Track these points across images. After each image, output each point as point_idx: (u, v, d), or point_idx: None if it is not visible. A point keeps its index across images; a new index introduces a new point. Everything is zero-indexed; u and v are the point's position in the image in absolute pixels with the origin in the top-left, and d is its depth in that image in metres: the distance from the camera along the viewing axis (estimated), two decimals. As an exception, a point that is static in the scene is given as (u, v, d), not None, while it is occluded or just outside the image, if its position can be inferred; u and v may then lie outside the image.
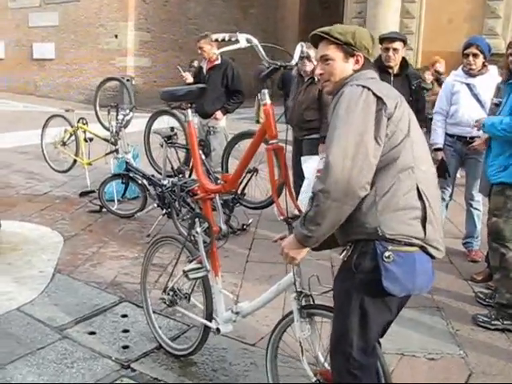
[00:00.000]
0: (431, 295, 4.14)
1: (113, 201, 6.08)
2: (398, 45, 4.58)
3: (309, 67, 5.32)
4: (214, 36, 2.54)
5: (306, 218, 2.04)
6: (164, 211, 5.42)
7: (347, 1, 13.67)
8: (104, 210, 6.00)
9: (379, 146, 2.00)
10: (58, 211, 6.07)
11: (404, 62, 4.70)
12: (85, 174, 6.92)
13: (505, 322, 3.66)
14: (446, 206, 5.13)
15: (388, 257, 1.99)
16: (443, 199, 5.02)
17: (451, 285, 4.39)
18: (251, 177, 5.31)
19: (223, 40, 2.53)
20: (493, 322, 3.69)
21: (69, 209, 6.17)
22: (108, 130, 6.45)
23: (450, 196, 5.10)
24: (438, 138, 4.84)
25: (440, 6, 11.73)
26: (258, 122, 15.16)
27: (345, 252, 2.13)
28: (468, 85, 4.70)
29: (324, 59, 2.22)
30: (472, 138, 4.70)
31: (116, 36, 17.64)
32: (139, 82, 17.00)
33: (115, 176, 6.02)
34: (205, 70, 6.21)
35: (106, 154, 6.49)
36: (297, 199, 5.84)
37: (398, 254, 2.00)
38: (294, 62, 2.59)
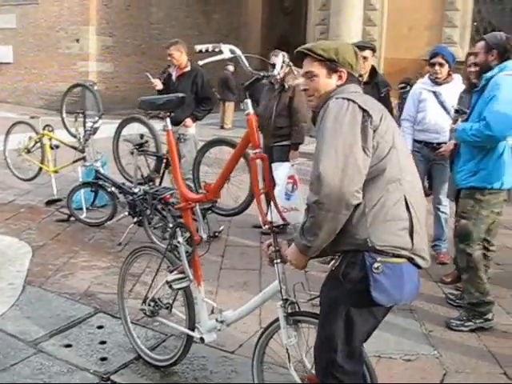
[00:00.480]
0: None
1: (81, 209, 5.98)
2: (367, 53, 4.67)
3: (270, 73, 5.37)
4: (198, 47, 2.55)
5: (304, 229, 2.08)
6: (135, 219, 5.38)
7: (310, 8, 13.82)
8: (72, 218, 5.91)
9: (367, 156, 2.05)
10: (24, 220, 5.94)
11: (373, 70, 4.80)
12: (50, 181, 6.81)
13: (477, 322, 3.77)
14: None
15: (377, 268, 2.03)
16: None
17: (422, 287, 4.41)
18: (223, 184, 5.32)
19: (207, 51, 2.55)
20: (466, 324, 3.79)
21: (35, 218, 6.05)
22: (75, 136, 6.36)
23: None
24: (407, 144, 4.95)
25: (401, 15, 11.99)
26: (222, 127, 15.18)
27: (333, 261, 2.17)
28: (434, 92, 4.84)
29: (308, 75, 2.26)
30: (439, 143, 4.84)
31: (77, 40, 17.40)
32: (101, 87, 16.76)
33: (84, 184, 5.94)
34: (174, 78, 6.19)
35: (74, 162, 6.40)
36: (267, 210, 5.88)
37: (387, 265, 2.04)
38: (276, 72, 2.63)
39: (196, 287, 3.01)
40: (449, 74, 4.82)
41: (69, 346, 3.38)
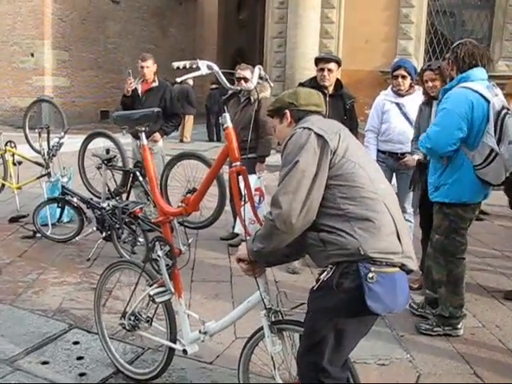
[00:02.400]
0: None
1: (46, 225, 5.90)
2: (332, 66, 4.80)
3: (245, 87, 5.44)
4: (175, 64, 2.57)
5: (257, 236, 2.32)
6: (104, 234, 5.34)
7: (267, 21, 14.00)
8: (38, 235, 5.82)
9: (322, 185, 2.19)
10: (-12, 238, 5.82)
11: (338, 83, 4.94)
12: (12, 198, 6.69)
13: (446, 329, 3.88)
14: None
15: (371, 277, 2.09)
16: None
17: (390, 293, 4.61)
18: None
19: (184, 68, 2.58)
20: (434, 329, 3.89)
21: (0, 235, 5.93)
22: (39, 152, 6.27)
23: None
24: (371, 155, 5.09)
25: (357, 28, 12.30)
26: (181, 141, 15.13)
27: (325, 273, 2.20)
28: (397, 104, 5.00)
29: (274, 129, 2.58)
30: (403, 153, 5.00)
31: (32, 54, 17.13)
32: (58, 102, 16.45)
33: (51, 200, 5.86)
34: (140, 92, 6.19)
35: (38, 178, 6.30)
36: (235, 220, 5.93)
37: (380, 275, 2.11)
38: (252, 86, 2.69)
39: (177, 300, 3.02)
40: (411, 86, 5.00)
41: (46, 362, 3.34)
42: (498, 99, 3.51)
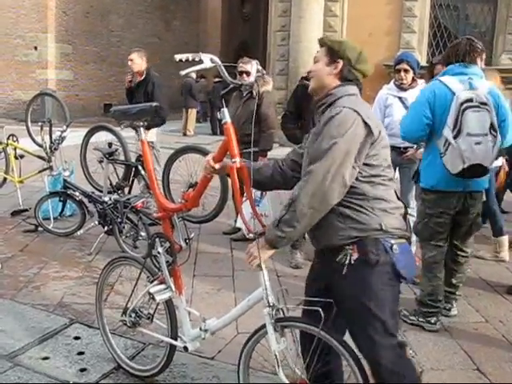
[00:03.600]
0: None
1: (48, 219, 5.89)
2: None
3: (247, 82, 5.41)
4: (177, 57, 2.54)
5: (281, 221, 2.27)
6: (105, 228, 5.33)
7: (271, 14, 13.92)
8: (40, 229, 5.82)
9: (355, 170, 2.25)
10: (-11, 232, 5.82)
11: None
12: (14, 192, 6.69)
13: (419, 320, 3.90)
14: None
15: (396, 249, 2.29)
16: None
17: (393, 288, 4.60)
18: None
19: (187, 60, 2.55)
20: (410, 317, 3.96)
21: (2, 229, 5.92)
22: (41, 146, 6.26)
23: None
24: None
25: (361, 21, 12.22)
26: (185, 134, 15.13)
27: (347, 255, 2.31)
28: (400, 98, 4.96)
29: (315, 60, 2.70)
30: (405, 148, 4.96)
31: (35, 48, 17.11)
32: (61, 95, 16.42)
33: (52, 194, 5.85)
34: (134, 86, 6.25)
35: (40, 172, 6.29)
36: (237, 214, 5.91)
37: (399, 245, 2.31)
38: (252, 79, 2.65)
39: (178, 296, 2.99)
40: (414, 80, 4.96)
41: (46, 358, 3.32)
42: (470, 93, 3.55)
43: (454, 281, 4.03)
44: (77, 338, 3.59)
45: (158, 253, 2.93)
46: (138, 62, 6.20)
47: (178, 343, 2.97)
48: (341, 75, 2.41)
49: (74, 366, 3.26)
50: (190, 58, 2.53)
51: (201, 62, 2.53)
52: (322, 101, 2.42)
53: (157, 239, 2.95)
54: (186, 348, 2.94)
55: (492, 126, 3.57)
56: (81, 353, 3.40)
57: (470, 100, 3.51)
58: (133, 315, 3.07)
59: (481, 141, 3.52)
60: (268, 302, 2.46)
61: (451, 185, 3.71)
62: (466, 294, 4.29)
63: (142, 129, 3.12)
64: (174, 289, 2.95)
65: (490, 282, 4.82)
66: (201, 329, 2.84)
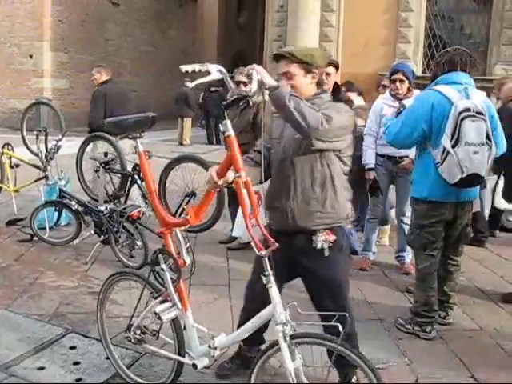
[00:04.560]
0: (372, 308, 4.34)
1: (44, 228, 5.88)
2: (330, 69, 4.79)
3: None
4: (184, 68, 2.52)
5: (296, 100, 2.53)
6: (101, 238, 5.33)
7: (267, 24, 14.01)
8: (35, 238, 5.81)
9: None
10: (-15, 241, 5.80)
11: (336, 87, 4.92)
12: (9, 201, 6.67)
13: (414, 328, 3.92)
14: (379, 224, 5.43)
15: (352, 233, 2.87)
16: (376, 217, 5.29)
17: (388, 297, 4.62)
18: (189, 200, 5.33)
19: (193, 71, 2.53)
20: (405, 326, 3.97)
21: (-3, 238, 5.92)
22: (37, 155, 6.26)
23: (382, 213, 5.37)
24: (370, 159, 5.10)
25: (356, 31, 12.32)
26: (181, 143, 15.13)
27: (321, 238, 2.74)
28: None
29: (288, 75, 2.78)
30: (401, 157, 5.00)
31: (31, 56, 17.11)
32: (57, 104, 16.42)
33: (48, 203, 5.85)
34: None
35: (36, 181, 6.28)
36: (232, 226, 5.91)
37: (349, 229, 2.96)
38: (253, 90, 2.60)
39: (184, 313, 2.92)
40: (409, 90, 5.00)
41: (42, 368, 3.31)
42: (467, 102, 3.57)
43: (446, 289, 4.05)
44: (72, 347, 3.58)
45: (162, 269, 2.87)
46: (97, 76, 7.14)
47: (187, 360, 2.90)
48: (317, 82, 2.78)
49: (70, 375, 3.25)
50: (197, 69, 2.52)
51: (207, 73, 2.52)
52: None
53: (160, 255, 2.89)
54: (194, 365, 2.86)
55: (487, 136, 3.59)
56: (77, 363, 3.39)
57: (468, 109, 3.53)
58: (138, 332, 3.00)
59: (478, 150, 3.54)
60: (281, 318, 2.42)
61: (444, 195, 3.73)
62: (460, 302, 4.31)
63: (138, 140, 3.09)
64: (180, 306, 2.87)
65: (485, 290, 4.84)
66: (210, 346, 2.77)
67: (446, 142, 3.55)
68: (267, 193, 2.88)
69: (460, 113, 3.51)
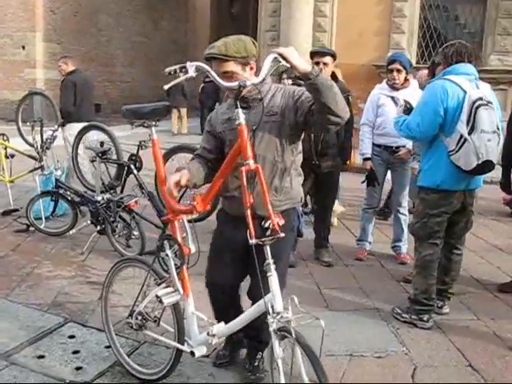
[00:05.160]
0: (369, 298, 4.37)
1: (39, 219, 5.86)
2: (327, 59, 4.78)
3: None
4: (167, 70, 2.52)
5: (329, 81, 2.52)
6: (98, 228, 5.32)
7: (261, 14, 13.96)
8: (31, 228, 5.79)
9: None
10: (-20, 232, 5.78)
11: (334, 76, 4.92)
12: (4, 191, 6.64)
13: (412, 317, 3.94)
14: (375, 213, 5.44)
15: (301, 214, 3.04)
16: (372, 206, 5.30)
17: (385, 287, 4.65)
18: (185, 191, 5.32)
19: (175, 72, 2.51)
20: (403, 315, 3.98)
21: (-8, 229, 5.90)
22: (32, 145, 6.23)
23: (378, 203, 5.39)
24: (367, 149, 5.10)
25: (350, 21, 12.29)
26: (176, 134, 15.07)
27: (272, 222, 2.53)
28: (392, 98, 5.01)
29: (228, 74, 2.66)
30: (397, 147, 5.02)
31: (23, 47, 16.96)
32: (49, 95, 16.36)
33: (44, 193, 5.82)
34: None
35: (31, 171, 6.25)
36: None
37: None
38: (261, 78, 2.59)
39: (185, 300, 2.93)
40: (406, 80, 5.01)
41: (42, 356, 3.31)
42: (478, 92, 3.63)
43: (446, 279, 4.08)
44: (71, 336, 3.59)
45: (167, 255, 2.88)
46: (63, 67, 7.49)
47: (185, 348, 2.91)
48: (255, 70, 2.74)
49: (69, 364, 3.25)
50: (178, 70, 2.51)
51: (186, 72, 2.50)
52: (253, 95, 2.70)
53: (165, 241, 2.90)
54: (192, 353, 2.87)
55: (496, 125, 3.65)
56: (76, 351, 3.39)
57: (481, 98, 3.58)
58: (139, 318, 3.01)
59: (491, 138, 3.59)
60: (273, 309, 2.43)
61: (455, 184, 3.77)
62: (457, 292, 4.33)
63: (153, 128, 3.09)
64: (181, 292, 2.89)
65: (481, 280, 4.88)
66: (208, 334, 2.79)
67: (462, 129, 3.57)
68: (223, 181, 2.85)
69: (474, 101, 3.55)
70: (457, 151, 3.61)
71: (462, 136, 3.57)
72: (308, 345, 2.37)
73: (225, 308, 3.11)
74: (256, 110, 2.69)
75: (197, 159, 2.93)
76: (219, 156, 2.88)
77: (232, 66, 2.63)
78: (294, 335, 2.34)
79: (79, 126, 6.65)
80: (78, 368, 3.22)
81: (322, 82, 2.46)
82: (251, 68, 2.71)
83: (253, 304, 2.86)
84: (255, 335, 3.06)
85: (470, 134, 3.55)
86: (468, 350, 3.58)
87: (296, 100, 2.71)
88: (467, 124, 3.56)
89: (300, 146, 2.89)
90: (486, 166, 3.62)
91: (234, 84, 2.54)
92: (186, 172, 2.73)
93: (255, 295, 2.79)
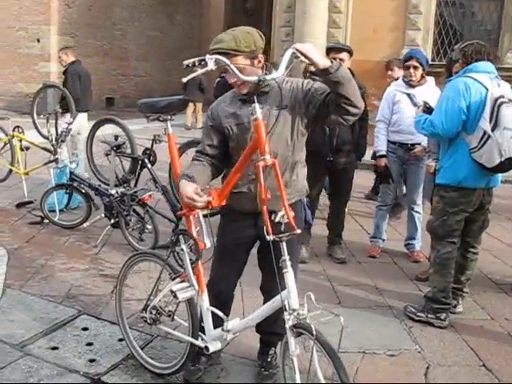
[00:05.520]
0: (382, 295, 4.35)
1: (53, 211, 5.90)
2: (344, 55, 4.75)
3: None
4: (185, 62, 2.47)
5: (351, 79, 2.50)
6: (112, 221, 5.34)
7: (275, 10, 13.89)
8: (46, 221, 5.83)
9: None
10: (-4, 223, 5.83)
11: (350, 72, 4.88)
12: (20, 183, 6.69)
13: (428, 316, 3.89)
14: (389, 210, 5.42)
15: (307, 205, 2.99)
16: (386, 204, 5.28)
17: (398, 285, 4.62)
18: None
19: (194, 65, 2.48)
20: (418, 314, 3.94)
21: (7, 220, 5.94)
22: (47, 138, 6.27)
23: (393, 200, 5.36)
24: (382, 145, 5.08)
25: (365, 18, 12.18)
26: (188, 129, 15.09)
27: (280, 217, 2.46)
28: (408, 95, 4.98)
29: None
30: (413, 144, 4.99)
31: (38, 40, 17.03)
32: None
33: (59, 186, 5.86)
34: None
35: (46, 164, 6.29)
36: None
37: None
38: (280, 73, 2.56)
39: (200, 295, 2.93)
40: (422, 77, 4.97)
41: (55, 348, 3.34)
42: (499, 89, 3.61)
43: (462, 278, 4.06)
44: (85, 329, 3.61)
45: (182, 250, 2.88)
46: (64, 58, 7.81)
47: (199, 343, 2.91)
48: (263, 64, 2.70)
49: (83, 356, 3.28)
50: (197, 63, 2.46)
51: (206, 64, 2.46)
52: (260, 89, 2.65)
53: (180, 236, 2.89)
54: (207, 348, 2.86)
55: None
56: (89, 344, 3.42)
57: (502, 96, 3.56)
58: (153, 312, 3.01)
59: None
60: (289, 305, 2.42)
61: (477, 181, 3.75)
62: (471, 292, 4.30)
63: (168, 123, 3.08)
64: (196, 287, 2.88)
65: (495, 279, 4.84)
66: (223, 329, 2.78)
67: (485, 126, 3.54)
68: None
69: (496, 99, 3.53)
70: (479, 148, 3.58)
71: (485, 133, 3.55)
72: (328, 342, 2.36)
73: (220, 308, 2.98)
74: (265, 103, 2.65)
75: (197, 161, 2.82)
76: (224, 150, 2.83)
77: (241, 60, 2.60)
78: (314, 332, 2.33)
79: (84, 115, 6.73)
80: (92, 360, 3.24)
81: (343, 75, 2.45)
82: (259, 61, 2.67)
83: (265, 298, 2.88)
84: (268, 328, 3.04)
85: (492, 130, 3.53)
86: (482, 350, 3.55)
87: (306, 93, 2.67)
88: (490, 121, 3.53)
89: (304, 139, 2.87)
90: (507, 164, 3.59)
91: (254, 78, 2.51)
92: (192, 184, 2.65)
93: (269, 289, 2.81)
